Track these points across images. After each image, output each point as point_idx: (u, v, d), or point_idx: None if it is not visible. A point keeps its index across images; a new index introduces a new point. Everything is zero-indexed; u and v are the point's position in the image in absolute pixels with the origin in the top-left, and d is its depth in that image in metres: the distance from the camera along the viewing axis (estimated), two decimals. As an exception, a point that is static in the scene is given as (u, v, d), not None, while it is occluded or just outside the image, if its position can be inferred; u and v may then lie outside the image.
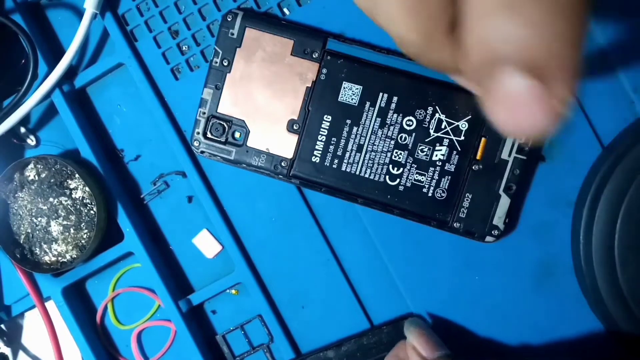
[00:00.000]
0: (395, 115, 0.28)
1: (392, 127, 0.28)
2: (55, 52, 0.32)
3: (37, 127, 0.32)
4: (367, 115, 0.29)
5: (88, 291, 0.33)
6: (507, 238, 0.29)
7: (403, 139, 0.28)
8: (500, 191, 0.28)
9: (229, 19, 0.29)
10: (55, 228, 0.30)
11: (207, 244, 0.32)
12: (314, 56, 0.29)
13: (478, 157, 0.28)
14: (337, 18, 0.29)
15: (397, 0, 0.14)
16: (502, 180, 0.28)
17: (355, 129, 0.29)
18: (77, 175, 0.30)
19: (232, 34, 0.29)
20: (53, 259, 0.31)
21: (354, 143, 0.29)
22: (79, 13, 0.31)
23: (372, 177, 0.29)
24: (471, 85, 0.17)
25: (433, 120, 0.28)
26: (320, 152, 0.29)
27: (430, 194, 0.29)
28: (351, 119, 0.29)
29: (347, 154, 0.29)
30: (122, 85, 0.32)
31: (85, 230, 0.30)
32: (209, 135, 0.30)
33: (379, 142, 0.29)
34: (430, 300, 0.30)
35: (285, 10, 0.30)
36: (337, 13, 0.29)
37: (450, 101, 0.28)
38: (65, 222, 0.30)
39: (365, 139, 0.29)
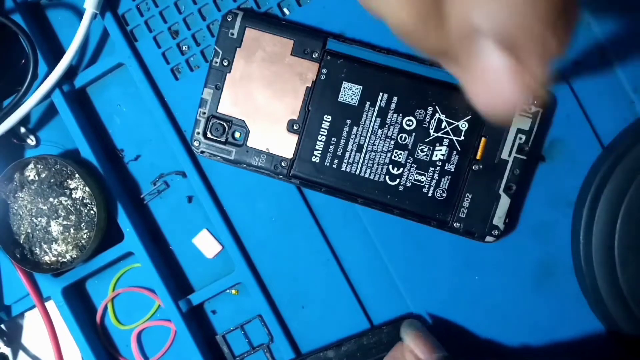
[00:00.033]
0: (395, 115, 0.28)
1: (392, 127, 0.28)
2: (55, 52, 0.32)
3: (37, 127, 0.32)
4: (367, 115, 0.29)
5: (88, 291, 0.33)
6: (507, 238, 0.29)
7: (403, 139, 0.28)
8: (500, 191, 0.28)
9: (229, 19, 0.29)
10: (55, 228, 0.30)
11: (207, 244, 0.32)
12: (314, 56, 0.29)
13: (478, 157, 0.28)
14: (337, 18, 0.29)
15: None
16: (502, 180, 0.28)
17: (355, 129, 0.29)
18: (77, 175, 0.30)
19: (232, 34, 0.29)
20: (53, 259, 0.31)
21: (354, 143, 0.29)
22: (79, 13, 0.31)
23: (372, 177, 0.29)
24: (454, 69, 0.17)
25: (433, 120, 0.28)
26: (320, 152, 0.29)
27: (430, 194, 0.29)
28: (351, 119, 0.29)
29: (347, 154, 0.29)
30: (122, 85, 0.32)
31: (85, 230, 0.30)
32: (209, 135, 0.30)
33: (379, 142, 0.29)
34: (430, 301, 0.30)
35: (285, 10, 0.30)
36: (337, 13, 0.29)
37: (450, 101, 0.28)
38: (65, 222, 0.30)
39: (365, 139, 0.29)
